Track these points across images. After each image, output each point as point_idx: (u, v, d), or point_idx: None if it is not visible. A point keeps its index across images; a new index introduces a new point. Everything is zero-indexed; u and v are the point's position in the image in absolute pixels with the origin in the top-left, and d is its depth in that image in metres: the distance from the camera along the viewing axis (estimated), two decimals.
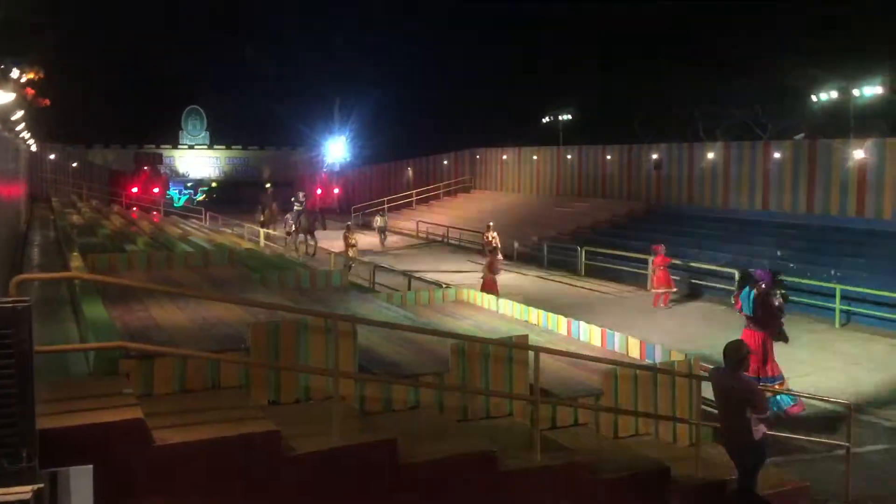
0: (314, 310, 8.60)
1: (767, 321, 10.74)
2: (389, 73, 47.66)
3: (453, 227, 32.09)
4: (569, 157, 33.62)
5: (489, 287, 17.83)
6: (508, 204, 34.33)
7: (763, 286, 10.77)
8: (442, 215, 35.52)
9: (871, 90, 25.80)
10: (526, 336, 8.32)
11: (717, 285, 19.11)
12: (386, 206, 38.56)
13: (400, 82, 47.56)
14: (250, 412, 5.63)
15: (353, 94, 46.68)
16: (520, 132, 39.76)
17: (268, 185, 42.52)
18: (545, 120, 40.67)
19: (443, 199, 39.83)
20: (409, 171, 44.29)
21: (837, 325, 16.08)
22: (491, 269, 17.83)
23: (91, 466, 4.10)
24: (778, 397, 10.36)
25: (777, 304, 10.84)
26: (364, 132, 48.37)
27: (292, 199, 30.16)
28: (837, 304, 16.19)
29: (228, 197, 48.53)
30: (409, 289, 15.46)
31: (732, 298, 11.47)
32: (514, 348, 7.57)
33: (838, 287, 16.33)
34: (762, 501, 2.26)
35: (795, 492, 7.60)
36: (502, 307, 12.59)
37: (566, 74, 40.52)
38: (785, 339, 11.06)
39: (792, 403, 10.48)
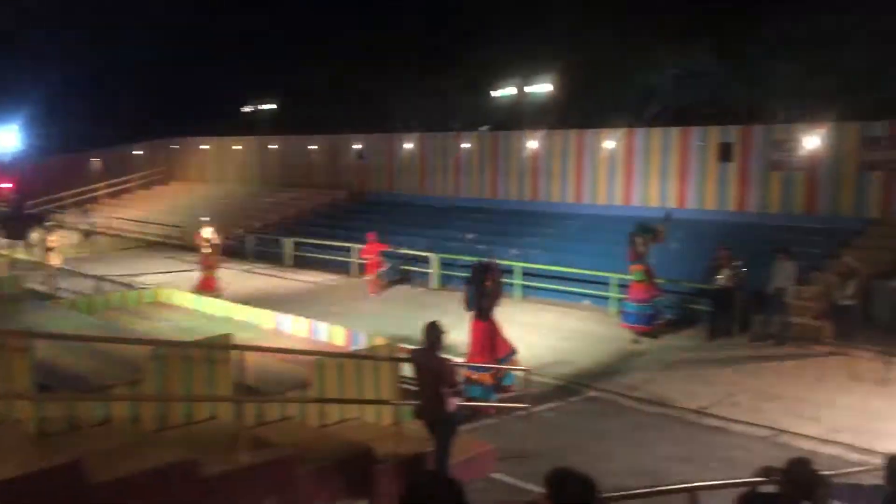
0: None
1: (490, 309, 11.08)
2: (70, 57, 42.97)
3: (151, 223, 30.15)
4: (273, 146, 33.28)
5: (208, 286, 17.06)
6: (211, 196, 33.05)
7: (494, 276, 11.14)
8: (137, 210, 33.17)
9: (541, 88, 28.98)
10: (229, 335, 8.18)
11: (422, 269, 20.30)
12: (69, 201, 34.97)
13: (83, 67, 43.15)
14: None
15: (27, 78, 41.35)
16: (220, 121, 38.36)
17: None
18: (246, 109, 39.70)
19: (137, 193, 37.12)
20: (97, 163, 40.57)
21: (519, 299, 17.94)
22: (210, 267, 17.16)
23: None
24: (509, 377, 11.00)
25: (496, 291, 11.24)
26: (42, 121, 43.14)
27: None
28: (518, 280, 18.08)
29: None
30: (98, 292, 14.27)
31: (462, 294, 11.42)
32: (217, 349, 7.41)
33: (518, 265, 18.25)
34: (446, 481, 2.52)
35: (483, 454, 8.43)
36: (203, 305, 12.20)
37: (266, 64, 39.83)
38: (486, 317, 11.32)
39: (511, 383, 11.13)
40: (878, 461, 5.64)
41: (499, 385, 11.02)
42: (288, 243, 23.84)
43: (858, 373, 12.17)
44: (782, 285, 13.89)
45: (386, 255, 19.72)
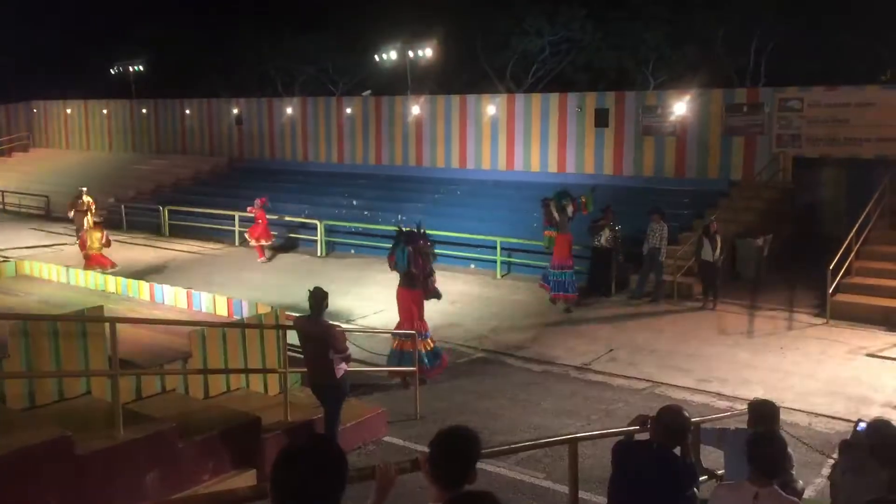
0: None
1: (419, 279, 10.63)
2: None
3: (11, 192, 28.10)
4: (144, 110, 31.59)
5: (98, 260, 15.75)
6: (77, 163, 31.12)
7: (421, 243, 10.64)
8: None
9: (423, 52, 28.84)
10: (101, 307, 7.79)
11: (307, 237, 19.94)
12: None
13: None
14: None
15: None
16: (84, 83, 35.98)
17: None
18: (114, 71, 37.41)
19: None
20: None
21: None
22: (106, 243, 15.89)
23: None
24: (424, 356, 10.32)
25: (427, 261, 10.77)
26: None
27: None
28: None
29: None
30: None
31: (388, 258, 10.80)
32: (88, 322, 7.03)
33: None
34: (331, 450, 2.48)
35: (374, 418, 8.47)
36: (73, 278, 11.54)
37: (133, 23, 37.60)
38: (438, 296, 10.99)
39: (433, 365, 10.55)
40: (742, 407, 6.06)
41: (436, 352, 10.74)
42: (164, 212, 22.82)
43: (725, 326, 13.00)
44: (656, 245, 14.57)
45: (272, 222, 19.21)
